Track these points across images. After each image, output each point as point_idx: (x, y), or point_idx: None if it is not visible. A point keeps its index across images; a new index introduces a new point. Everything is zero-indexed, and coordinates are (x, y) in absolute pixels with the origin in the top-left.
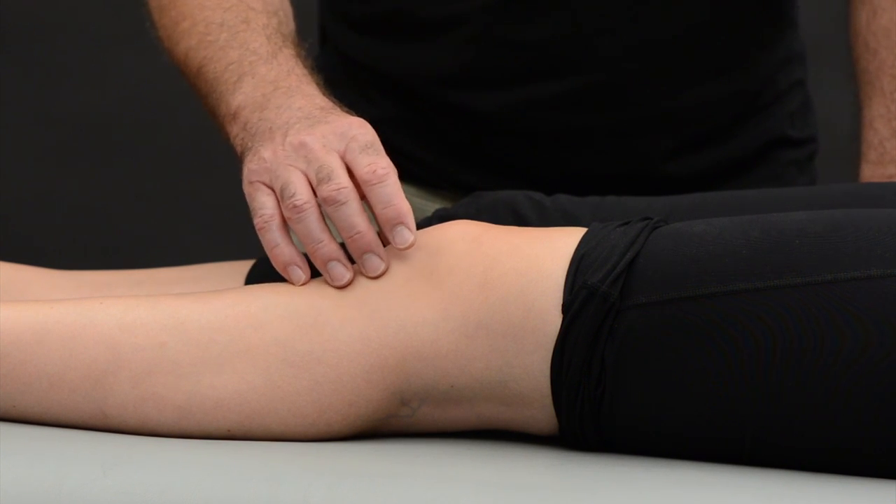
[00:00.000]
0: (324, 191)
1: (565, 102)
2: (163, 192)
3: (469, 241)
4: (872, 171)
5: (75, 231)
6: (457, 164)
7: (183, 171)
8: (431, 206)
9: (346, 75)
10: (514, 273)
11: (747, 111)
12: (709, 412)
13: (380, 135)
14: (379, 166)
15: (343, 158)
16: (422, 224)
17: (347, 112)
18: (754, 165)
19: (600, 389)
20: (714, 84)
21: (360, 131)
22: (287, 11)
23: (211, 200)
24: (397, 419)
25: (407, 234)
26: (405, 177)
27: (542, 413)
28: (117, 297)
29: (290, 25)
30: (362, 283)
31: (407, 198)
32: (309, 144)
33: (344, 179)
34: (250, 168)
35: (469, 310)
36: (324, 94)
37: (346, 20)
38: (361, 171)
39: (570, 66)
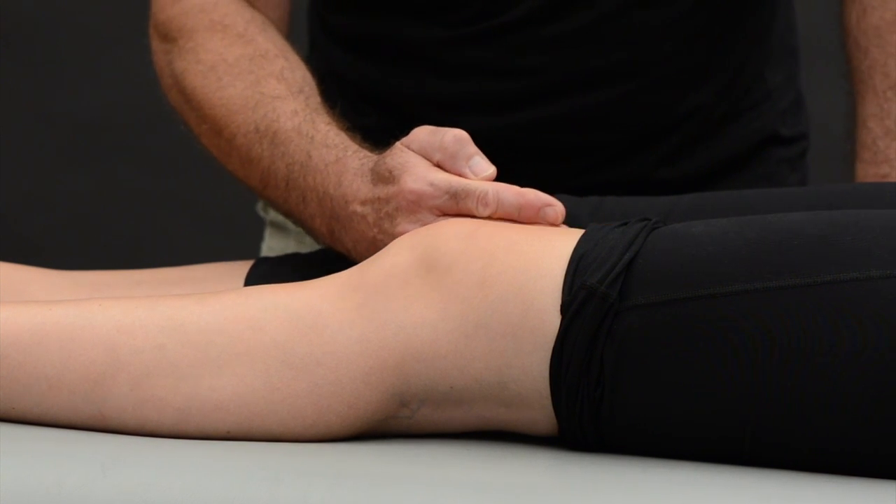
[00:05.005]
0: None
1: (560, 124)
2: (162, 192)
3: (464, 237)
4: (866, 171)
5: (75, 231)
6: None
7: (183, 171)
8: None
9: (334, 85)
10: (512, 270)
11: (737, 108)
12: (708, 412)
13: (371, 143)
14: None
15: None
16: None
17: (375, 152)
18: (746, 165)
19: (600, 390)
20: (707, 88)
21: (408, 196)
22: (309, 80)
23: (211, 200)
24: (397, 420)
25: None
26: None
27: (541, 414)
28: (116, 299)
29: (315, 94)
30: (361, 284)
31: None
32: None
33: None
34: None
35: (468, 309)
36: (357, 151)
37: (332, 35)
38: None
39: (565, 90)
